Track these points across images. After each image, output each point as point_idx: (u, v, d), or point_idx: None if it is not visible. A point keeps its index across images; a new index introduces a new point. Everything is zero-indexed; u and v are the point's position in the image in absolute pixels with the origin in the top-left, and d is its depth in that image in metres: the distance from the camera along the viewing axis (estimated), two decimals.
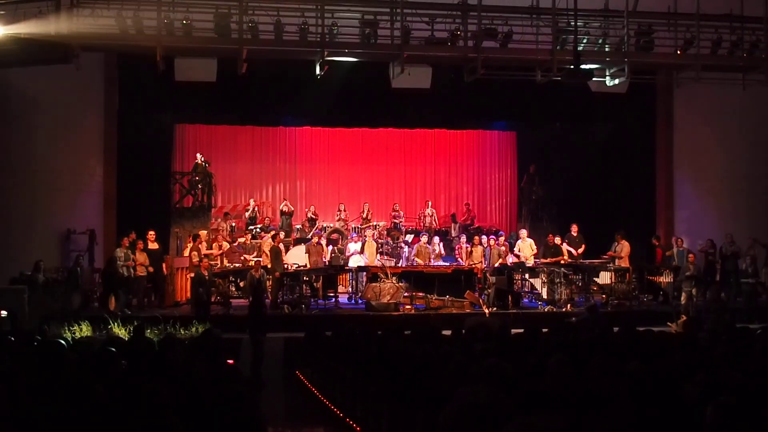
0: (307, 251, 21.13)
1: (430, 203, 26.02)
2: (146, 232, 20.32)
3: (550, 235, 22.03)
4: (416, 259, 21.77)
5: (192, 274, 19.41)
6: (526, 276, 21.23)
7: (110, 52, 21.10)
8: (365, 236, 22.37)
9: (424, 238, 22.50)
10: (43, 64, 18.14)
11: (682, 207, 24.81)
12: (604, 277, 20.91)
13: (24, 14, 16.76)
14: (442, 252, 22.56)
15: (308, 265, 20.64)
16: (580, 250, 21.77)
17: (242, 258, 21.32)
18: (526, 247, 21.81)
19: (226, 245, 21.63)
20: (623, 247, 21.53)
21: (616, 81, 20.04)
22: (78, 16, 16.99)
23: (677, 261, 21.28)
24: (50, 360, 7.30)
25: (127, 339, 12.16)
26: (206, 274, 18.54)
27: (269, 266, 20.14)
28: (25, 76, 19.85)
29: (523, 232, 22.62)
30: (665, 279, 21.28)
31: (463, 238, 22.94)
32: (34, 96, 21.07)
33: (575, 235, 21.98)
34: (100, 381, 6.18)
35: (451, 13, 18.50)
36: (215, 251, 21.21)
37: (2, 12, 16.73)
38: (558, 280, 20.36)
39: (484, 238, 22.50)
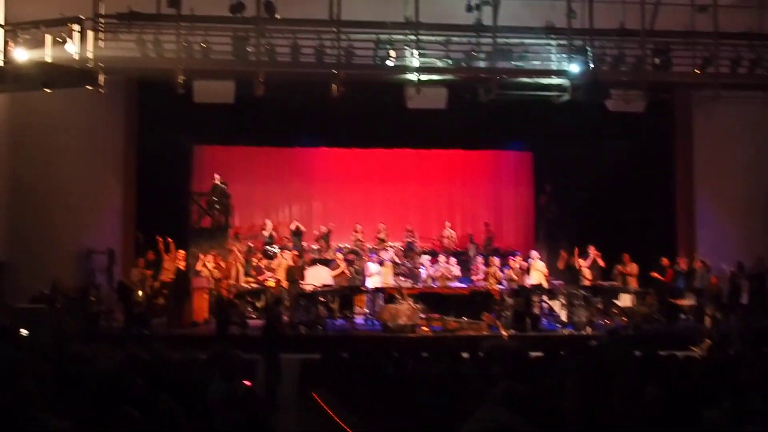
0: (334, 268, 21.24)
1: (448, 224, 26.00)
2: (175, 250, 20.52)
3: (569, 255, 22.00)
4: (435, 281, 21.73)
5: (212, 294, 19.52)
6: (544, 297, 21.11)
7: (131, 76, 21.31)
8: (383, 257, 22.38)
9: (442, 259, 22.47)
10: (66, 87, 18.33)
11: (703, 227, 24.65)
12: (625, 300, 20.75)
13: (47, 39, 16.98)
14: (459, 273, 22.49)
15: (332, 284, 20.69)
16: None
17: (261, 278, 21.42)
18: (537, 269, 21.72)
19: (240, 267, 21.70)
20: (633, 268, 21.45)
21: (634, 102, 20.03)
22: (100, 41, 17.17)
23: (699, 283, 21.17)
24: (69, 379, 7.36)
25: (145, 359, 12.19)
26: (226, 294, 18.64)
27: (286, 287, 20.20)
28: (48, 99, 20.06)
29: (534, 254, 22.54)
30: (687, 302, 21.16)
31: (480, 259, 22.90)
32: (56, 118, 21.38)
33: (593, 257, 21.94)
34: (118, 400, 6.23)
35: (466, 33, 18.58)
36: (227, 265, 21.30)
37: (26, 37, 16.95)
38: (577, 302, 20.23)
39: (498, 259, 22.46)
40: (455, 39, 18.50)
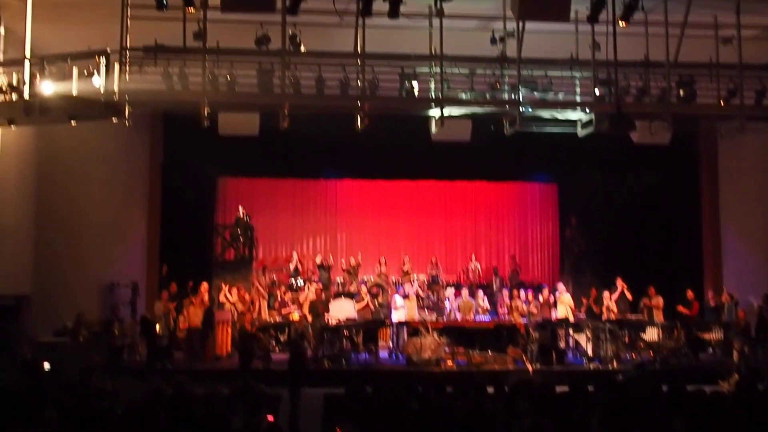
0: (358, 302, 21.18)
1: (474, 256, 25.93)
2: (198, 284, 20.48)
3: (598, 292, 21.90)
4: (460, 313, 21.62)
5: (235, 328, 19.46)
6: (570, 331, 20.94)
7: (157, 108, 21.42)
8: (407, 290, 22.29)
9: (465, 292, 22.37)
10: (92, 119, 18.42)
11: (730, 260, 24.52)
12: (651, 334, 20.55)
13: (74, 72, 17.09)
14: (488, 307, 22.36)
15: (356, 318, 20.59)
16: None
17: (284, 311, 21.37)
18: (564, 302, 21.59)
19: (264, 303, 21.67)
20: (659, 301, 21.29)
21: (658, 133, 19.93)
22: (126, 73, 17.27)
23: (727, 316, 20.97)
24: (93, 413, 7.33)
25: (168, 393, 12.14)
26: (249, 328, 18.59)
27: (310, 320, 20.15)
28: (74, 131, 20.17)
29: (561, 287, 22.41)
30: (715, 336, 20.94)
31: (506, 292, 22.79)
32: (82, 150, 21.55)
33: (620, 290, 21.79)
34: None
35: (490, 65, 18.57)
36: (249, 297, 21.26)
37: (53, 69, 17.06)
38: (603, 335, 20.02)
39: (524, 292, 22.36)
40: (479, 71, 18.47)
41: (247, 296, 21.23)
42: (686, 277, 23.37)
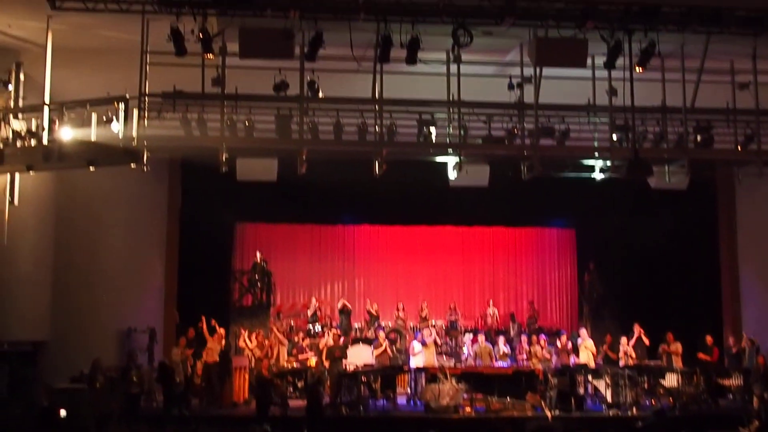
0: (376, 347, 21.10)
1: (491, 302, 25.86)
2: (215, 328, 20.49)
3: (613, 339, 21.81)
4: (478, 359, 21.52)
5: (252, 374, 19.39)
6: (590, 377, 20.78)
7: (175, 154, 21.56)
8: (425, 335, 22.19)
9: (481, 338, 22.29)
10: (111, 165, 18.53)
11: (749, 305, 24.41)
12: (671, 379, 20.39)
13: (93, 118, 17.23)
14: (507, 352, 22.26)
15: (374, 364, 20.53)
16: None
17: (302, 357, 21.30)
18: (587, 348, 21.47)
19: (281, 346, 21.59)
20: (678, 347, 21.15)
21: (676, 178, 19.92)
22: (145, 119, 17.40)
23: (747, 362, 20.81)
24: None
25: None
26: (267, 374, 18.53)
27: (327, 366, 20.08)
28: (92, 176, 20.26)
29: (583, 332, 22.30)
30: (734, 381, 20.76)
31: (524, 338, 22.69)
32: (101, 195, 21.65)
33: (638, 336, 21.67)
34: None
35: (507, 111, 18.65)
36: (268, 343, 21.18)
37: (72, 115, 17.21)
38: (622, 382, 19.85)
39: (544, 338, 22.25)
40: (497, 117, 18.54)
41: (265, 342, 21.16)
42: (705, 323, 23.24)
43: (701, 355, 21.59)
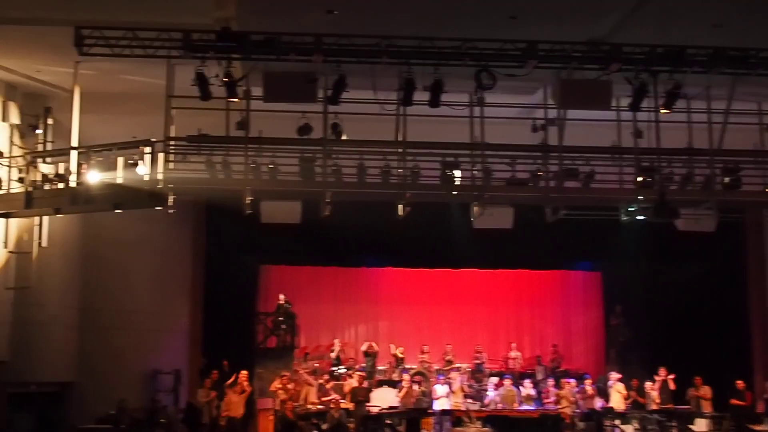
0: (398, 393, 20.97)
1: (514, 345, 25.69)
2: (237, 373, 20.43)
3: (634, 379, 21.59)
4: (502, 403, 21.38)
5: (277, 416, 19.33)
6: (617, 422, 20.55)
7: (200, 196, 21.68)
8: (451, 378, 22.05)
9: (508, 381, 22.15)
10: (136, 208, 18.67)
11: None
12: (700, 425, 20.14)
13: (119, 161, 17.41)
14: (533, 395, 22.10)
15: (398, 407, 20.41)
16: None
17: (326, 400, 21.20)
18: (617, 392, 21.25)
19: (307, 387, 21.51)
20: (706, 391, 20.89)
21: (703, 220, 19.74)
22: (170, 162, 17.52)
23: None
24: None
25: None
26: (291, 416, 18.49)
27: (352, 408, 19.99)
28: (119, 219, 20.43)
29: (614, 375, 22.10)
30: (765, 427, 20.50)
31: (550, 382, 22.53)
32: (126, 238, 21.83)
33: (665, 380, 21.42)
34: None
35: (531, 154, 18.62)
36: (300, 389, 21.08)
37: (99, 158, 17.39)
38: (651, 426, 19.72)
39: (572, 381, 22.06)
40: (521, 159, 18.51)
41: (290, 384, 21.06)
42: (734, 367, 22.91)
43: (734, 401, 21.33)
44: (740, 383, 21.67)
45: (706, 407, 20.88)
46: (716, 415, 20.39)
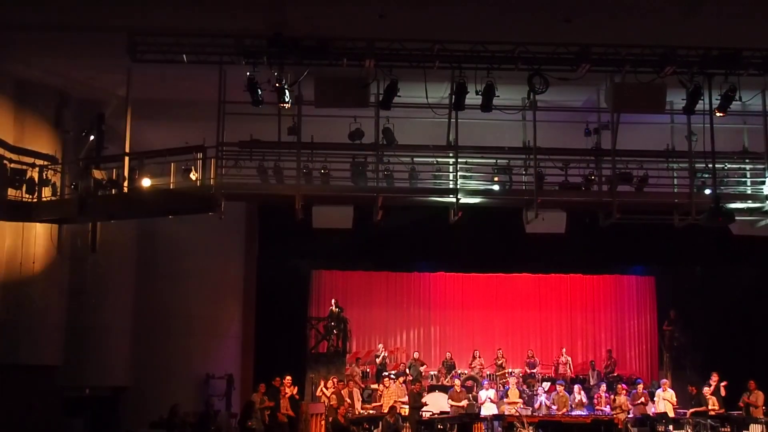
0: (450, 397, 20.89)
1: (564, 350, 25.52)
2: (283, 376, 20.48)
3: (690, 386, 21.36)
4: (554, 407, 21.27)
5: (329, 420, 19.36)
6: (670, 428, 20.32)
7: (252, 202, 21.79)
8: (502, 383, 21.95)
9: (560, 387, 22.04)
10: (189, 213, 18.80)
11: None
12: (755, 430, 19.88)
13: (171, 167, 17.56)
14: (584, 401, 21.95)
15: (450, 412, 20.38)
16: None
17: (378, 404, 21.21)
18: (667, 398, 21.04)
19: (357, 392, 21.52)
20: (758, 397, 20.59)
21: (759, 224, 19.49)
22: (222, 167, 17.63)
23: None
24: None
25: None
26: (343, 421, 18.51)
27: (405, 413, 19.99)
28: (171, 225, 20.64)
29: (665, 382, 21.88)
30: None
31: (603, 387, 22.35)
32: (180, 244, 21.98)
33: (717, 385, 21.17)
34: None
35: (584, 158, 18.49)
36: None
37: (151, 165, 17.55)
38: None
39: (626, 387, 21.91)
40: (574, 163, 18.38)
41: (342, 389, 21.07)
42: None
43: None
44: None
45: (757, 413, 20.56)
46: None
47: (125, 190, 17.53)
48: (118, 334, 20.87)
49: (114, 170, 17.86)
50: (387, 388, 21.66)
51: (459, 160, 17.92)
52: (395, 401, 20.94)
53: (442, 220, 18.46)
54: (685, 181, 18.51)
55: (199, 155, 17.40)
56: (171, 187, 17.60)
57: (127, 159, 17.67)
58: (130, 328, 21.46)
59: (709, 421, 19.75)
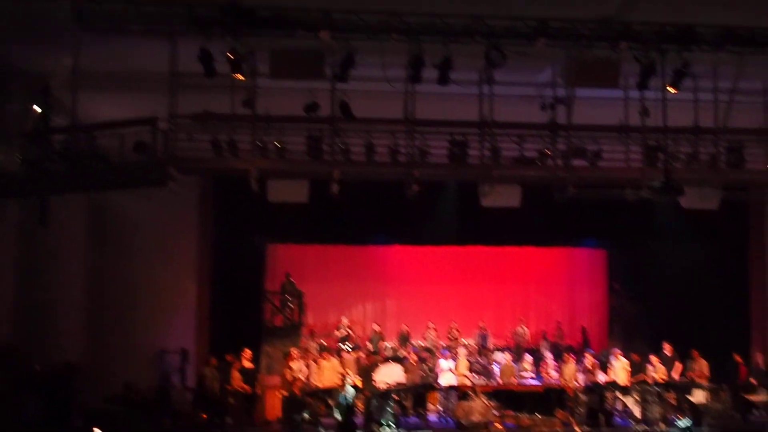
0: (404, 369, 21.04)
1: (521, 321, 25.72)
2: (241, 351, 20.44)
3: (634, 354, 21.73)
4: (502, 377, 21.55)
5: (285, 393, 19.37)
6: (618, 394, 20.85)
7: (206, 175, 21.63)
8: (457, 354, 22.12)
9: (508, 357, 22.30)
10: (140, 187, 18.60)
11: None
12: (698, 396, 20.43)
13: (122, 140, 17.29)
14: (534, 370, 22.22)
15: (405, 382, 20.50)
16: (676, 371, 21.29)
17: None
18: (620, 366, 21.38)
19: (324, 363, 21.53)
20: (702, 365, 21.07)
21: (707, 198, 19.82)
22: (174, 140, 17.47)
23: None
24: None
25: None
26: (298, 393, 18.56)
27: (360, 385, 20.08)
28: (124, 199, 20.45)
29: (617, 351, 22.21)
30: (761, 397, 20.95)
31: (549, 356, 22.64)
32: (132, 218, 21.81)
33: (669, 354, 21.54)
34: None
35: (540, 132, 18.61)
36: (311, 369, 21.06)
37: (103, 137, 17.30)
38: (651, 398, 20.21)
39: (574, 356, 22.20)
40: (529, 137, 18.51)
41: (298, 362, 21.05)
42: (734, 342, 22.99)
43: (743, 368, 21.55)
44: (738, 357, 21.94)
45: (703, 380, 21.04)
46: (714, 387, 20.65)
47: (74, 163, 17.22)
48: (70, 309, 20.75)
49: (61, 143, 17.54)
50: (341, 360, 21.69)
51: (415, 134, 17.95)
52: (341, 374, 20.99)
53: (398, 193, 18.50)
54: (638, 155, 18.75)
55: (151, 128, 17.21)
56: (122, 160, 17.34)
57: (74, 131, 17.38)
58: (83, 304, 21.31)
59: (655, 388, 20.21)
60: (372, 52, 15.99)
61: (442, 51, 16.14)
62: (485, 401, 19.79)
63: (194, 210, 23.16)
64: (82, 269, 21.36)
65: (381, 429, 18.17)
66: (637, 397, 20.39)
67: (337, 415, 18.62)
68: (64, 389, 19.74)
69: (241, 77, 16.82)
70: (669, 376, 21.15)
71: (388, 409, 19.39)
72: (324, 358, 21.10)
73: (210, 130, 18.03)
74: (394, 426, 18.59)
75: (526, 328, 25.45)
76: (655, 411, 20.04)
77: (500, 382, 21.53)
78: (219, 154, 18.21)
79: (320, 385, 20.69)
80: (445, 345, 24.02)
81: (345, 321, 24.80)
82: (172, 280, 22.80)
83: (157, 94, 17.24)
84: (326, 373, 20.60)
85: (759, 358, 22.35)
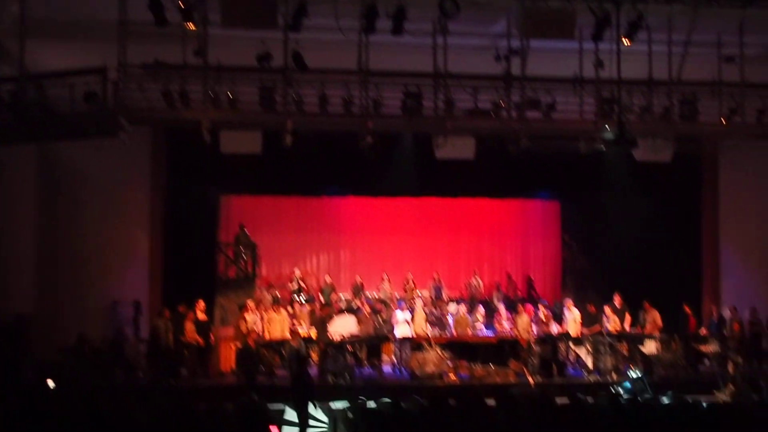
0: (358, 321, 21.10)
1: (475, 272, 25.82)
2: (195, 302, 20.36)
3: (590, 305, 21.94)
4: (455, 328, 21.65)
5: (239, 345, 19.37)
6: (571, 345, 21.08)
7: (157, 126, 21.38)
8: (414, 305, 22.17)
9: (462, 308, 22.40)
10: (90, 137, 18.37)
11: (728, 276, 24.59)
12: (650, 346, 20.69)
13: (71, 89, 17.01)
14: (485, 321, 22.36)
15: (359, 334, 20.58)
16: (626, 322, 21.53)
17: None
18: (572, 318, 21.58)
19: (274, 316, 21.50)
20: (654, 316, 21.32)
21: (661, 151, 19.96)
22: (125, 90, 17.25)
23: (729, 330, 21.17)
24: None
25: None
26: (253, 344, 18.57)
27: (313, 337, 20.12)
28: (75, 150, 20.19)
29: (569, 302, 22.37)
30: (712, 347, 21.16)
31: (502, 307, 22.75)
32: (83, 170, 21.52)
33: (619, 306, 21.76)
34: None
35: (494, 84, 18.59)
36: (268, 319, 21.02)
37: (52, 87, 17.01)
38: (603, 348, 20.38)
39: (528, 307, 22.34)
40: (484, 89, 18.49)
41: (253, 314, 21.02)
42: (686, 293, 23.29)
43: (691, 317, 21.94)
44: (687, 308, 22.21)
45: (654, 330, 21.30)
46: (665, 337, 20.90)
47: (22, 113, 16.95)
48: (21, 262, 20.56)
49: (9, 93, 17.25)
50: (294, 311, 21.69)
51: (369, 85, 17.86)
52: (291, 326, 21.01)
53: (352, 144, 18.44)
54: (591, 107, 18.82)
55: (101, 77, 16.97)
56: (71, 110, 17.10)
57: (22, 80, 17.09)
58: (34, 256, 21.09)
59: (607, 338, 20.42)
60: (325, 1, 15.87)
61: (396, 1, 16.03)
62: (439, 352, 19.92)
63: (146, 161, 22.86)
64: (32, 221, 21.11)
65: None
66: (589, 348, 20.61)
67: (288, 366, 18.67)
68: (16, 342, 19.61)
69: (192, 26, 16.63)
70: (621, 326, 21.39)
71: (343, 360, 19.49)
72: (274, 311, 21.05)
73: (161, 80, 17.82)
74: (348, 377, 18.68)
75: (479, 280, 25.56)
76: (608, 361, 20.24)
77: (454, 333, 21.60)
78: (170, 104, 18.03)
79: (269, 338, 20.66)
80: (399, 296, 24.10)
81: (298, 273, 24.74)
82: (125, 231, 22.60)
83: (107, 43, 16.99)
84: (275, 325, 20.55)
85: (712, 309, 22.67)
